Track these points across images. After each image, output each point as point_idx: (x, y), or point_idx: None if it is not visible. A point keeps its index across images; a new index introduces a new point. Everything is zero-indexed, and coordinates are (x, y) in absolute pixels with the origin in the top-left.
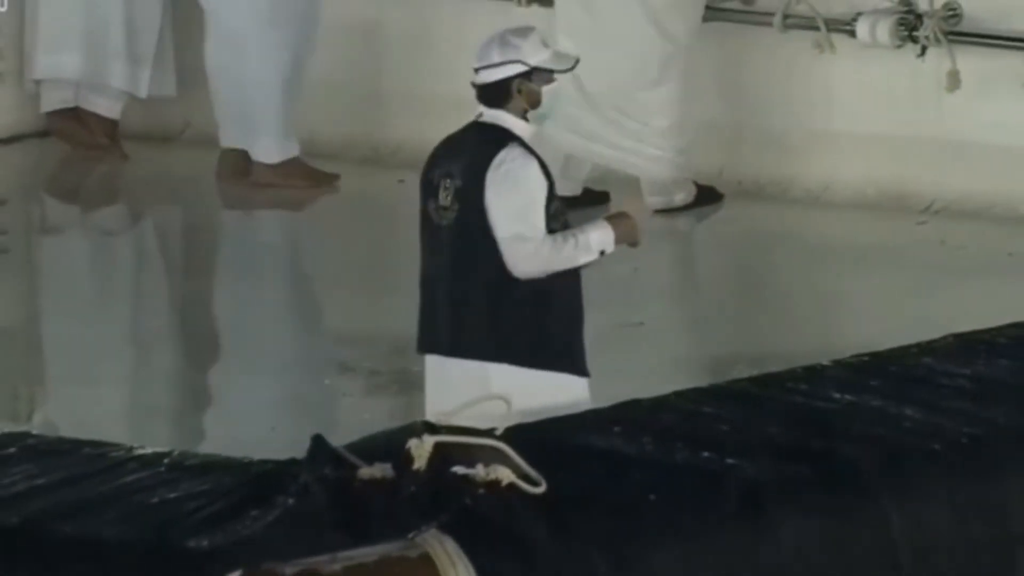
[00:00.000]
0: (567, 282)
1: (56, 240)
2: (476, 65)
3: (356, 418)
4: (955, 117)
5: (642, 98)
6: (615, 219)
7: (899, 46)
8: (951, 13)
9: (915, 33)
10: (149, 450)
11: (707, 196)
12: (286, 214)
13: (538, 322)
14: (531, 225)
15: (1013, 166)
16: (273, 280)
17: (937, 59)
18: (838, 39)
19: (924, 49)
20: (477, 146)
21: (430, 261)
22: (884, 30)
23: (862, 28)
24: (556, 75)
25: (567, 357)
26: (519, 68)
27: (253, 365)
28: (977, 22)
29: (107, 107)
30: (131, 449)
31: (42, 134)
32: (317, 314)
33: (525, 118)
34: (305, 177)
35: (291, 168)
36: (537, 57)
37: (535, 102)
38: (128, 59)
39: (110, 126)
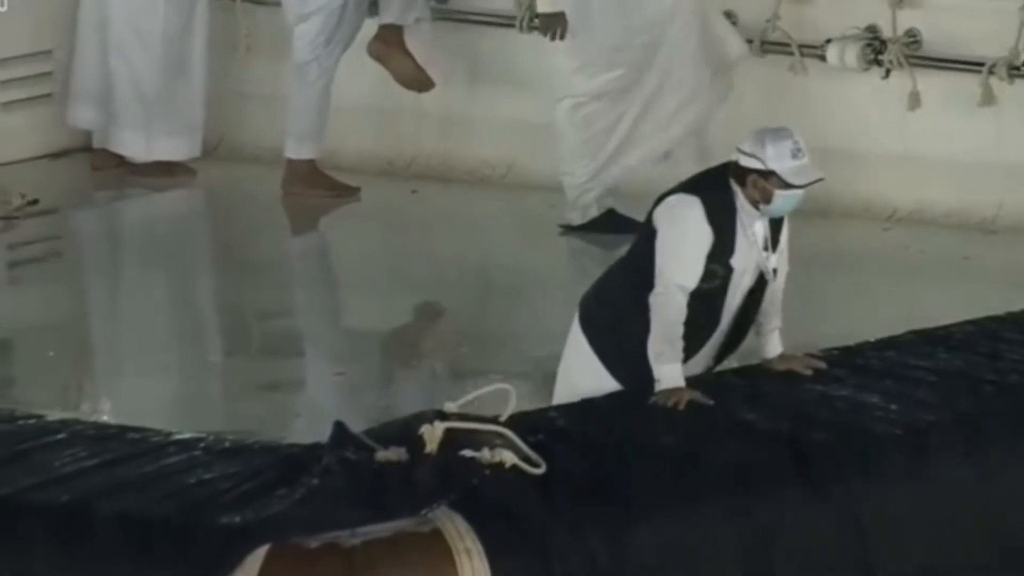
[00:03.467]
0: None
1: (102, 244)
2: (739, 146)
3: (373, 406)
4: (916, 133)
5: None
6: (684, 391)
7: (865, 69)
8: (912, 39)
9: (880, 57)
10: (186, 435)
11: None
12: (311, 220)
13: (630, 335)
14: (679, 271)
15: (968, 178)
16: (295, 280)
17: (900, 81)
18: (810, 63)
19: (888, 72)
20: (694, 179)
21: None
22: (852, 55)
23: (832, 53)
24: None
25: (629, 373)
26: (758, 165)
27: (278, 358)
28: (936, 47)
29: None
30: (170, 434)
31: (87, 148)
32: (338, 311)
33: (755, 205)
34: (328, 187)
35: (316, 179)
36: (779, 164)
37: (766, 199)
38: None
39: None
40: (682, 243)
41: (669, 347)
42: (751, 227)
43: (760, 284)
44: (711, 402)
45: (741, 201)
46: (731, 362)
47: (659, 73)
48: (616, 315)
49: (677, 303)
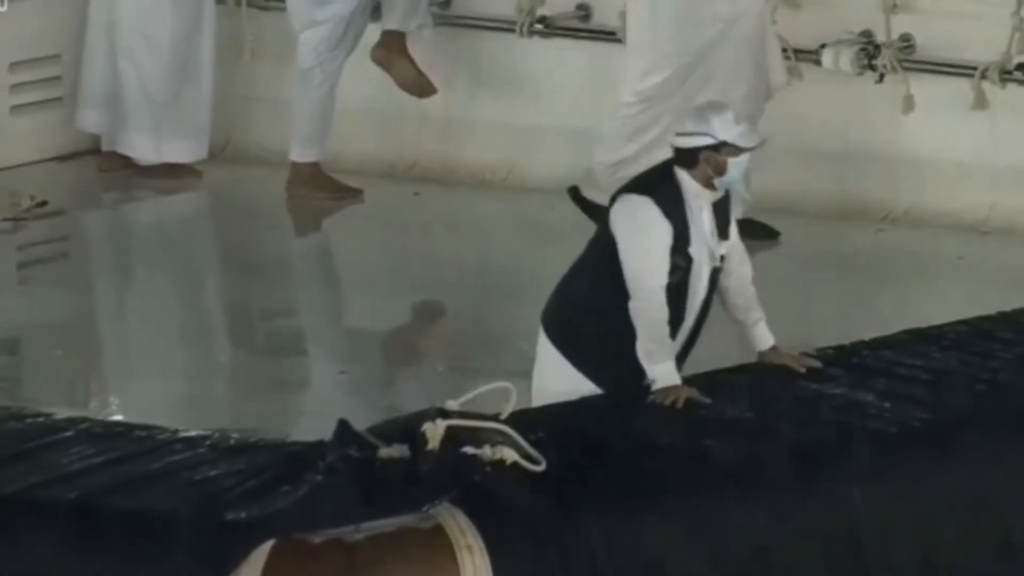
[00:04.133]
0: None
1: (110, 245)
2: (677, 130)
3: (376, 404)
4: (910, 136)
5: None
6: (681, 388)
7: (860, 73)
8: (906, 44)
9: (874, 62)
10: (193, 432)
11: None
12: (315, 222)
13: (600, 337)
14: (651, 273)
15: (961, 179)
16: (299, 280)
17: (894, 85)
18: (806, 67)
19: (882, 76)
20: (642, 176)
21: None
22: (846, 59)
23: (827, 57)
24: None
25: (606, 375)
26: (708, 140)
27: (282, 357)
28: (929, 52)
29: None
30: (176, 432)
31: (95, 151)
32: (341, 311)
33: (711, 184)
34: (332, 190)
35: (320, 181)
36: (728, 133)
37: (720, 171)
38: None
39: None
40: (646, 244)
41: (658, 346)
42: (700, 215)
43: (715, 274)
44: (708, 400)
45: (687, 189)
46: (726, 361)
47: (701, 78)
48: (581, 320)
49: (657, 302)
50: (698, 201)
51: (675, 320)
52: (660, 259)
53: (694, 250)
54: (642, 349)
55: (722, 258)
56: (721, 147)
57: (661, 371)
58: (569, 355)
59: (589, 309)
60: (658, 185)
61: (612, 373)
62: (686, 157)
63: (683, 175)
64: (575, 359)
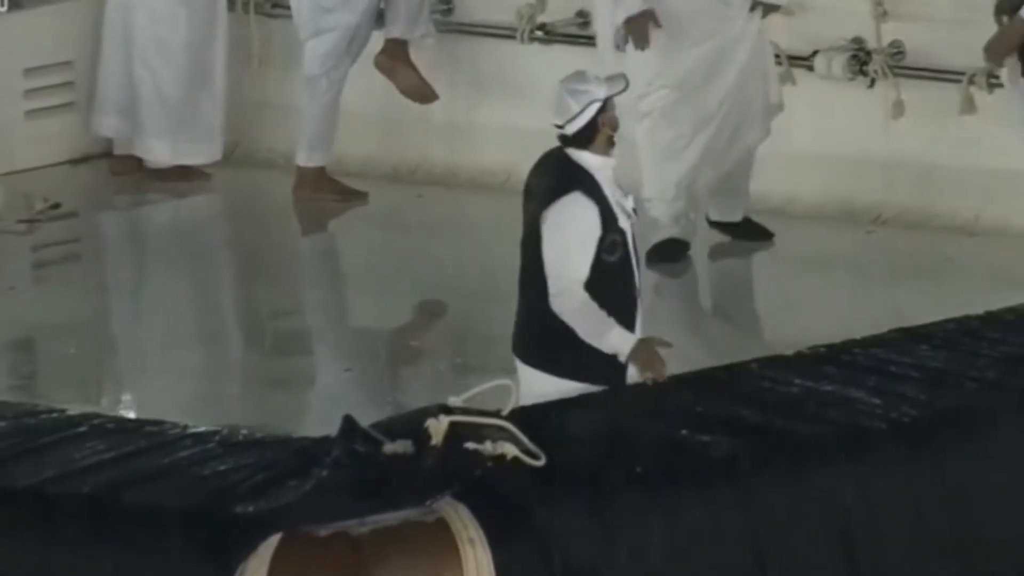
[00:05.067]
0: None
1: (121, 246)
2: (560, 121)
3: (381, 401)
4: (900, 140)
5: None
6: (643, 342)
7: (851, 79)
8: (896, 51)
9: (865, 67)
10: (202, 428)
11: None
12: (321, 223)
13: (561, 338)
14: (571, 267)
15: (949, 182)
16: (305, 280)
17: (884, 90)
18: (799, 73)
19: (873, 81)
20: (553, 179)
21: None
22: (839, 65)
23: (820, 63)
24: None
25: (587, 370)
26: (598, 104)
27: (289, 355)
28: (919, 58)
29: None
30: (186, 428)
31: (107, 154)
32: (346, 310)
33: (612, 143)
34: (337, 192)
35: (325, 184)
36: (603, 89)
37: (616, 126)
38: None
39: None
40: (568, 238)
41: (598, 322)
42: (611, 186)
43: (634, 228)
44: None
45: (593, 167)
46: (720, 360)
47: (721, 95)
48: (545, 333)
49: (577, 294)
50: (605, 173)
51: (630, 286)
52: (583, 253)
53: (622, 222)
54: (587, 335)
55: (635, 211)
56: (607, 104)
57: (616, 340)
58: (549, 370)
59: (546, 318)
60: (572, 177)
61: (594, 373)
62: (585, 135)
63: (583, 156)
64: (556, 371)
